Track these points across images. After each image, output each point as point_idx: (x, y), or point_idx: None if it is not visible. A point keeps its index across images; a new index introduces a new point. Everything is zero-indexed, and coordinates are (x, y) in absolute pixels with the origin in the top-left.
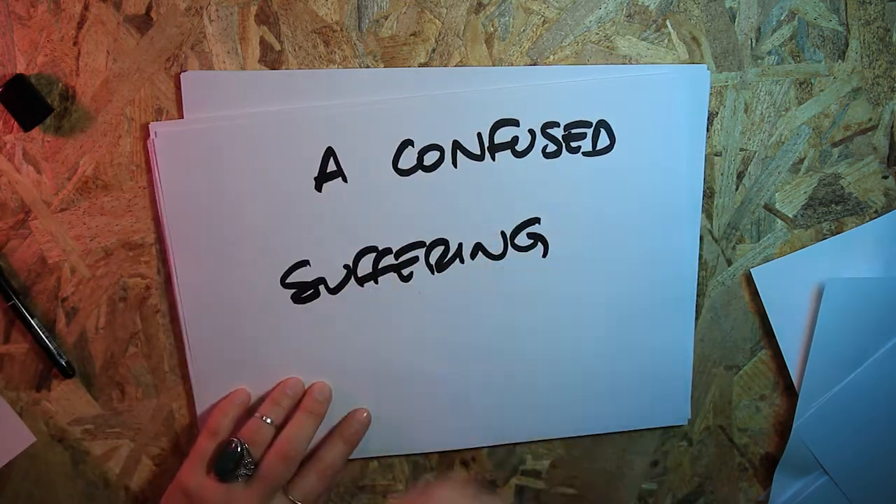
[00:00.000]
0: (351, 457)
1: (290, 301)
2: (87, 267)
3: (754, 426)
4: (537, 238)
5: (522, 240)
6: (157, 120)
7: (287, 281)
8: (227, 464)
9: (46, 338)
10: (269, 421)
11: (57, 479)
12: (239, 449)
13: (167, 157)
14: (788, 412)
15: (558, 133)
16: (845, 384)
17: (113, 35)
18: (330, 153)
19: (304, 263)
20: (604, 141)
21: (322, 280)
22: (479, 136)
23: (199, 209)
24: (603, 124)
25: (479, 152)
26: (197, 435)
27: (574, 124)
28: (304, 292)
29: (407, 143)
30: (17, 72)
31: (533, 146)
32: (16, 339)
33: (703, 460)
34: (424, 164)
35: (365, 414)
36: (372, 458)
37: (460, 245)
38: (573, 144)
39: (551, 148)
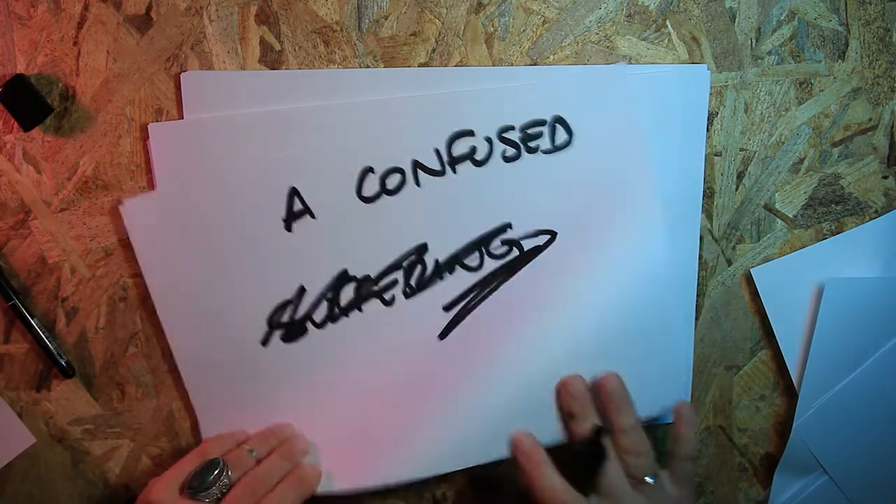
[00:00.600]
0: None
1: (281, 342)
2: (87, 267)
3: (754, 426)
4: (511, 244)
5: (497, 247)
6: (157, 120)
7: (274, 322)
8: (207, 475)
9: (46, 338)
10: (253, 454)
11: (57, 479)
12: (221, 467)
13: (136, 231)
14: (788, 412)
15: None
16: (845, 384)
17: (113, 35)
18: (294, 193)
19: (288, 304)
20: (561, 136)
21: (308, 317)
22: (437, 151)
23: (178, 268)
24: (560, 120)
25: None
26: (194, 444)
27: (532, 124)
28: (292, 331)
29: (367, 170)
30: (17, 72)
31: (490, 152)
32: (16, 340)
33: (703, 460)
34: (387, 188)
35: (319, 470)
36: None
37: (437, 262)
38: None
39: (542, 145)
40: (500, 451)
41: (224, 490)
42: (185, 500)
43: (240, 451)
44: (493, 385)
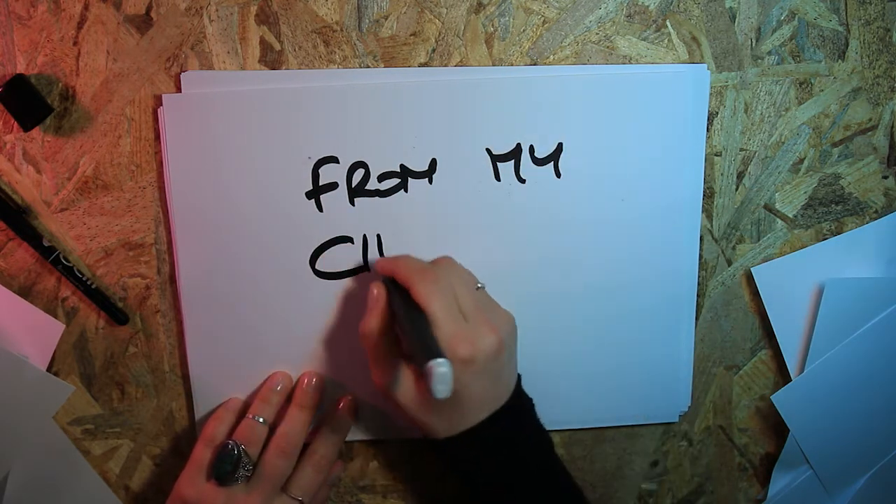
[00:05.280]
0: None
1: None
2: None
3: (754, 426)
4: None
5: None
6: (156, 120)
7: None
8: (226, 466)
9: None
10: (261, 420)
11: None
12: (236, 451)
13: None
14: None
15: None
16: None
17: (113, 35)
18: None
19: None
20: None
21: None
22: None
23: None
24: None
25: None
26: (194, 442)
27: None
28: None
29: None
30: (17, 72)
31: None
32: None
33: (703, 460)
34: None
35: (350, 398)
36: (372, 459)
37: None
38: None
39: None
40: None
41: (249, 469)
42: (217, 487)
43: (246, 423)
44: None
